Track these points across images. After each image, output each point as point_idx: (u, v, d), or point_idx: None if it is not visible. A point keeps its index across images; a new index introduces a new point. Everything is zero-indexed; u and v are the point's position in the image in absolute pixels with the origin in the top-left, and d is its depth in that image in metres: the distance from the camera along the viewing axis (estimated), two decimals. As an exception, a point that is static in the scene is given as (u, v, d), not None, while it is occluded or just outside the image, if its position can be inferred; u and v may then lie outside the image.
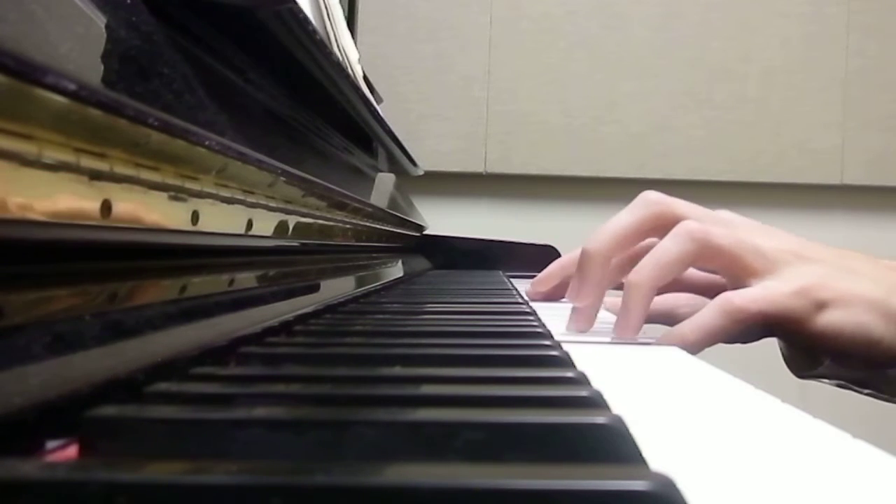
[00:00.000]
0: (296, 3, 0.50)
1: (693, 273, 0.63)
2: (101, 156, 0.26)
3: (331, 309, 0.50)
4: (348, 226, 0.72)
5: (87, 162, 0.25)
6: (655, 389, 0.34)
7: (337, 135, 0.86)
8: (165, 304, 0.33)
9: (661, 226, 0.53)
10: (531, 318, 0.50)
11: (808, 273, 0.51)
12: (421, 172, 1.39)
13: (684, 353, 0.45)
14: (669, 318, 0.60)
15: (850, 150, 1.78)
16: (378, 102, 1.16)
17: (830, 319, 0.50)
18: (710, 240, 0.51)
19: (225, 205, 0.38)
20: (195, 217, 0.34)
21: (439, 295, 0.74)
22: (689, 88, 1.78)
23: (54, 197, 0.23)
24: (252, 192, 0.42)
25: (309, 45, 0.58)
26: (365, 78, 1.11)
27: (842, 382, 0.64)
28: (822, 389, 0.69)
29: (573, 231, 1.24)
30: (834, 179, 1.78)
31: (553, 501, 0.14)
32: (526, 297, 0.73)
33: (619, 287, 0.56)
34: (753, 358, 0.79)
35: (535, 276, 0.82)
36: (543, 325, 0.46)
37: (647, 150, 1.77)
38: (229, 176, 0.38)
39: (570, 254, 0.76)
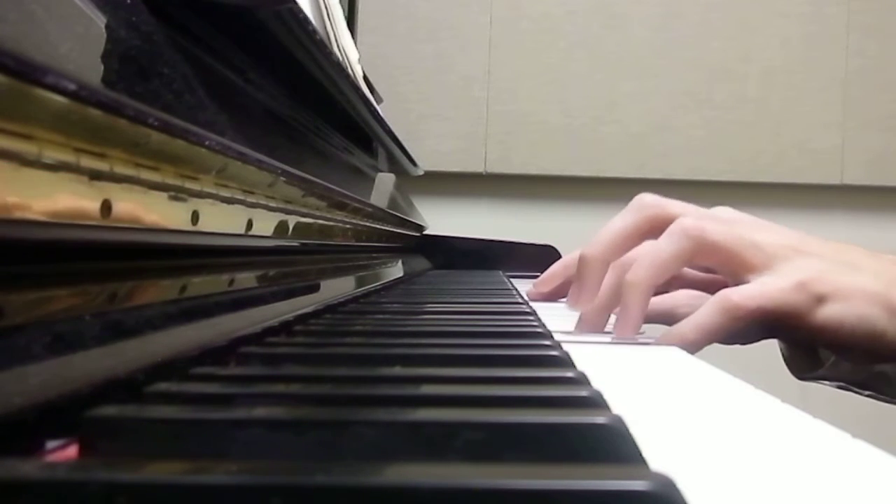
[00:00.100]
0: (296, 3, 0.50)
1: (692, 273, 0.63)
2: (101, 156, 0.26)
3: (331, 309, 0.50)
4: (348, 226, 0.72)
5: (87, 162, 0.25)
6: (655, 389, 0.34)
7: (337, 135, 0.86)
8: (165, 304, 0.33)
9: (658, 227, 0.53)
10: (531, 318, 0.50)
11: (807, 267, 0.51)
12: (421, 172, 1.39)
13: (684, 353, 0.45)
14: (669, 318, 0.60)
15: (850, 150, 1.78)
16: (378, 102, 1.16)
17: (830, 313, 0.49)
18: (706, 236, 0.51)
19: (225, 205, 0.38)
20: (195, 217, 0.34)
21: (439, 295, 0.74)
22: (689, 88, 1.78)
23: (54, 197, 0.23)
24: (252, 192, 0.42)
25: (309, 45, 0.58)
26: (365, 78, 1.11)
27: (842, 384, 0.64)
28: (822, 390, 0.69)
29: (573, 231, 1.24)
30: (834, 179, 1.78)
31: (553, 501, 0.14)
32: (526, 297, 0.73)
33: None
34: (753, 358, 0.79)
35: (535, 276, 0.82)
36: (543, 325, 0.46)
37: (647, 150, 1.77)
38: (229, 176, 0.38)
39: (572, 254, 0.76)
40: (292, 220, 0.51)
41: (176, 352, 0.28)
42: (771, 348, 0.67)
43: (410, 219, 1.13)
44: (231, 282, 0.43)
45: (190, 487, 0.15)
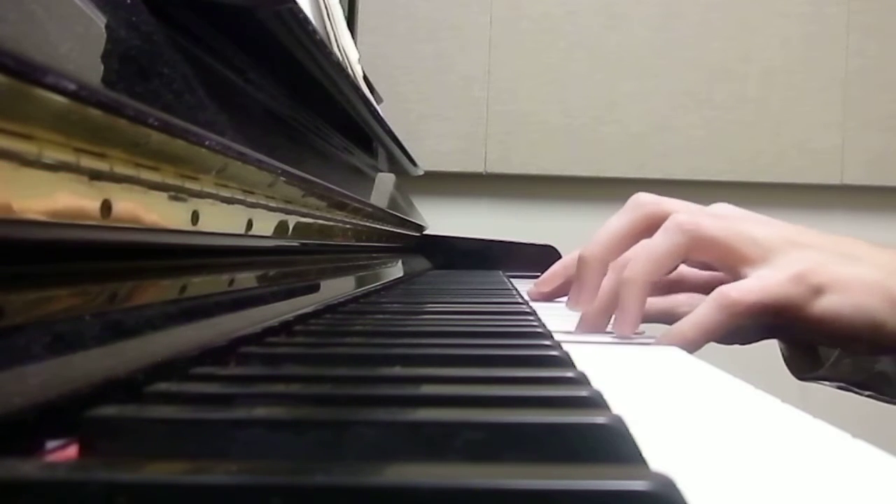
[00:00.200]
0: (296, 3, 0.50)
1: (693, 272, 0.63)
2: (101, 156, 0.26)
3: (331, 309, 0.50)
4: (348, 226, 0.72)
5: (87, 162, 0.25)
6: (655, 389, 0.34)
7: (337, 135, 0.86)
8: (165, 304, 0.33)
9: (654, 225, 0.53)
10: (531, 318, 0.50)
11: (804, 259, 0.50)
12: (421, 172, 1.39)
13: (684, 353, 0.45)
14: (670, 317, 0.60)
15: (850, 150, 1.78)
16: (378, 102, 1.16)
17: (829, 304, 0.49)
18: (701, 231, 0.51)
19: (225, 205, 0.38)
20: (195, 217, 0.34)
21: (439, 295, 0.74)
22: (689, 88, 1.78)
23: (54, 197, 0.23)
24: (252, 192, 0.42)
25: (309, 45, 0.58)
26: (365, 78, 1.11)
27: (842, 384, 0.64)
28: (822, 389, 0.69)
29: (573, 231, 1.24)
30: (834, 179, 1.78)
31: (553, 501, 0.14)
32: (526, 297, 0.73)
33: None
34: (753, 358, 0.79)
35: (535, 276, 0.82)
36: (543, 325, 0.46)
37: (647, 150, 1.77)
38: (229, 176, 0.38)
39: (572, 253, 0.76)
40: (292, 220, 0.51)
41: (176, 352, 0.28)
42: (771, 348, 0.67)
43: (410, 219, 1.13)
44: (231, 282, 0.43)
45: (190, 487, 0.15)
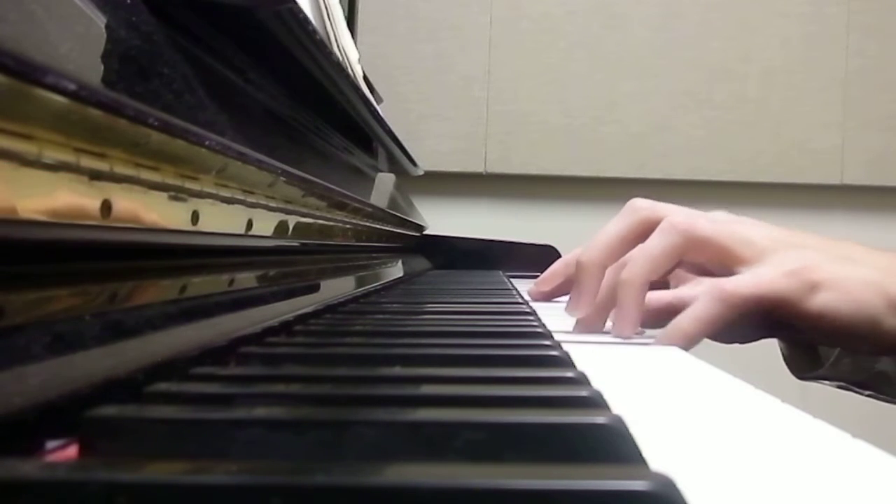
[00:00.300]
0: (296, 3, 0.50)
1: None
2: (101, 156, 0.26)
3: (331, 309, 0.50)
4: (348, 226, 0.72)
5: (87, 162, 0.25)
6: (655, 389, 0.34)
7: (337, 135, 0.86)
8: (165, 304, 0.33)
9: (650, 230, 0.53)
10: (531, 318, 0.50)
11: (800, 258, 0.51)
12: (421, 172, 1.39)
13: (684, 353, 0.45)
14: (674, 312, 0.60)
15: (850, 150, 1.78)
16: (378, 102, 1.16)
17: (826, 300, 0.49)
18: (696, 231, 0.51)
19: (225, 205, 0.38)
20: (195, 217, 0.34)
21: (439, 295, 0.74)
22: (689, 88, 1.78)
23: (54, 197, 0.23)
24: (252, 192, 0.42)
25: (309, 45, 0.58)
26: (365, 78, 1.11)
27: (842, 384, 0.64)
28: (822, 390, 0.69)
29: (573, 231, 1.24)
30: (834, 179, 1.78)
31: (553, 501, 0.14)
32: (526, 297, 0.73)
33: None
34: (753, 358, 0.79)
35: (535, 276, 0.82)
36: (543, 325, 0.46)
37: (647, 150, 1.77)
38: (229, 176, 0.38)
39: (572, 252, 0.76)
40: (292, 220, 0.51)
41: (176, 352, 0.28)
42: (771, 348, 0.67)
43: (410, 219, 1.13)
44: (231, 282, 0.43)
45: (190, 487, 0.15)
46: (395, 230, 0.99)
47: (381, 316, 0.52)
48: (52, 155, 0.23)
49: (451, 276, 1.08)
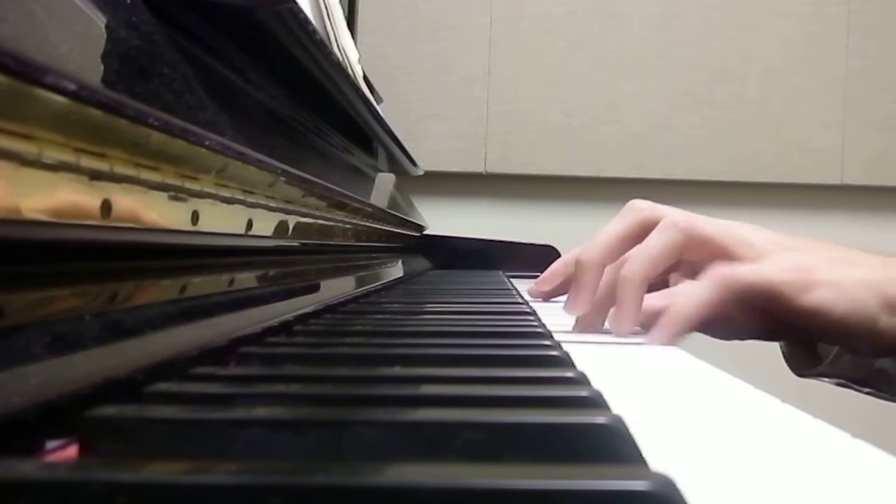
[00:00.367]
0: (296, 3, 0.50)
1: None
2: (101, 156, 0.26)
3: (331, 309, 0.50)
4: (348, 226, 0.72)
5: (87, 162, 0.25)
6: (655, 389, 0.34)
7: (337, 135, 0.86)
8: (165, 304, 0.33)
9: (649, 230, 0.53)
10: (531, 318, 0.50)
11: (798, 258, 0.51)
12: (421, 172, 1.39)
13: (684, 353, 0.45)
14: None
15: (850, 150, 1.78)
16: (378, 102, 1.16)
17: (822, 296, 0.50)
18: (696, 229, 0.52)
19: (225, 205, 0.38)
20: (195, 217, 0.34)
21: (439, 295, 0.74)
22: (689, 88, 1.78)
23: (54, 197, 0.23)
24: (252, 192, 0.42)
25: (309, 45, 0.58)
26: (365, 78, 1.11)
27: (842, 381, 0.64)
28: (822, 389, 0.69)
29: (573, 231, 1.24)
30: (834, 179, 1.78)
31: (553, 501, 0.14)
32: (526, 297, 0.73)
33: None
34: (753, 358, 0.79)
35: (535, 276, 0.82)
36: (543, 325, 0.46)
37: (647, 150, 1.77)
38: (229, 176, 0.38)
39: (572, 251, 0.76)
40: (292, 220, 0.51)
41: (176, 352, 0.28)
42: (771, 348, 0.67)
43: (410, 219, 1.13)
44: (231, 282, 0.43)
45: (190, 487, 0.15)
46: (395, 230, 0.99)
47: (381, 316, 0.52)
48: (52, 155, 0.23)
49: (451, 276, 1.08)
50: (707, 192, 1.76)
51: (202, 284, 0.39)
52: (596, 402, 0.23)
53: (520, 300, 0.66)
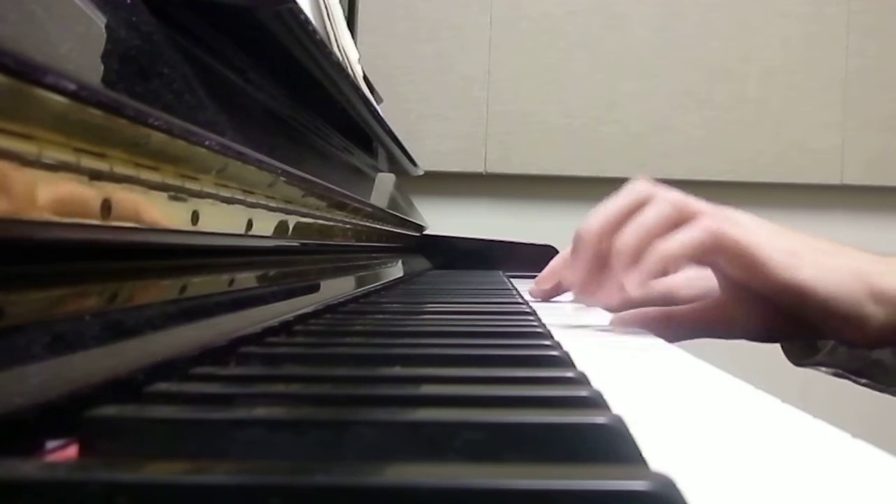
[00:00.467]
0: (296, 3, 0.50)
1: (686, 285, 0.64)
2: (101, 156, 0.26)
3: (331, 309, 0.50)
4: (348, 226, 0.72)
5: (87, 162, 0.25)
6: (655, 389, 0.34)
7: (337, 135, 0.86)
8: (165, 304, 0.33)
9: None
10: (531, 318, 0.50)
11: (790, 243, 0.53)
12: (421, 172, 1.39)
13: (684, 353, 0.45)
14: (670, 299, 0.62)
15: (850, 150, 1.78)
16: (378, 102, 1.16)
17: (806, 275, 0.52)
18: (689, 206, 0.54)
19: (225, 205, 0.38)
20: (195, 217, 0.34)
21: (439, 295, 0.74)
22: (689, 88, 1.78)
23: (54, 197, 0.23)
24: (252, 192, 0.42)
25: (309, 45, 0.58)
26: (365, 78, 1.11)
27: (839, 371, 0.65)
28: (822, 390, 0.69)
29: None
30: (834, 179, 1.78)
31: (553, 501, 0.14)
32: (526, 297, 0.73)
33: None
34: (753, 358, 0.79)
35: (535, 276, 0.82)
36: (543, 325, 0.46)
37: (647, 150, 1.77)
38: (229, 176, 0.38)
39: (568, 248, 0.77)
40: (292, 220, 0.51)
41: (176, 352, 0.28)
42: (771, 348, 0.67)
43: (410, 219, 1.13)
44: (231, 282, 0.43)
45: (190, 487, 0.15)
46: (394, 230, 0.99)
47: (381, 316, 0.52)
48: (52, 155, 0.23)
49: (451, 276, 1.08)
50: (707, 192, 1.74)
51: (202, 284, 0.39)
52: (596, 402, 0.23)
53: (520, 300, 0.66)
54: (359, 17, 1.72)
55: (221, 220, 0.38)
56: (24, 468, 0.15)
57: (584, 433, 0.19)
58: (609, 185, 0.60)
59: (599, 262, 0.55)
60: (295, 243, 0.55)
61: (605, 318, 0.62)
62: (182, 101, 0.36)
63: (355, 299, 0.60)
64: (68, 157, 0.24)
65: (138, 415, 0.20)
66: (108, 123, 0.25)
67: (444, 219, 1.58)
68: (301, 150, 0.67)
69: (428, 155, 1.62)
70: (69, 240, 0.26)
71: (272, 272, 0.51)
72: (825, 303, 0.52)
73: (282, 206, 0.48)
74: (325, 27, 0.88)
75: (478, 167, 1.78)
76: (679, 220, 0.53)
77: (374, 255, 0.94)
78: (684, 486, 0.15)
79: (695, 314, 0.58)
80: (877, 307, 0.52)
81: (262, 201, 0.44)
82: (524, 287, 0.83)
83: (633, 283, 0.52)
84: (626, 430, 0.19)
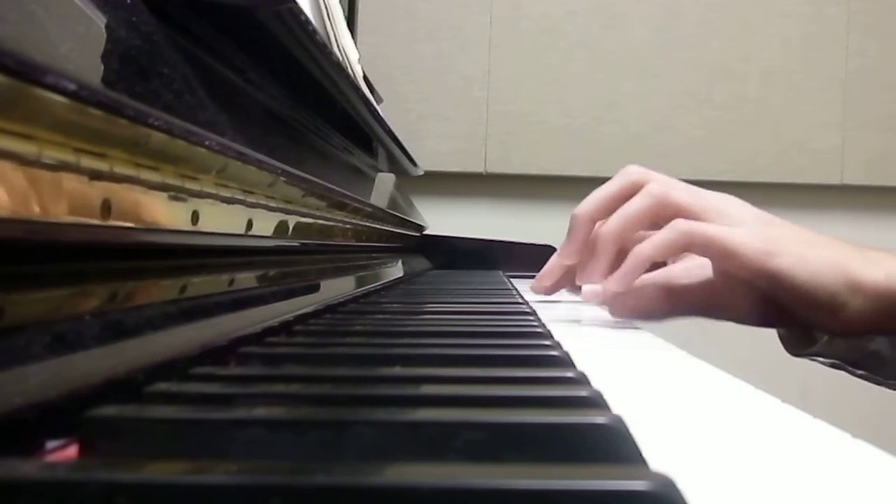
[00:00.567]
0: (296, 3, 0.50)
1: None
2: (101, 156, 0.26)
3: (331, 309, 0.50)
4: (348, 226, 0.72)
5: (87, 162, 0.25)
6: (655, 389, 0.34)
7: (337, 135, 0.86)
8: (165, 304, 0.33)
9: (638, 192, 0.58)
10: (531, 318, 0.50)
11: (769, 231, 0.55)
12: (421, 172, 1.39)
13: (684, 353, 0.45)
14: (668, 289, 0.63)
15: (850, 150, 1.78)
16: (378, 102, 1.16)
17: (783, 263, 0.53)
18: (670, 197, 0.57)
19: (225, 205, 0.38)
20: (195, 217, 0.34)
21: (439, 295, 0.74)
22: (689, 88, 1.78)
23: (54, 197, 0.23)
24: (252, 192, 0.42)
25: (309, 45, 0.58)
26: (365, 78, 1.11)
27: (836, 363, 0.65)
28: (822, 389, 0.69)
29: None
30: (834, 179, 1.78)
31: (553, 501, 0.14)
32: (526, 297, 0.73)
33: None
34: (753, 358, 0.79)
35: (535, 276, 0.82)
36: (543, 325, 0.46)
37: (647, 150, 1.77)
38: (229, 176, 0.38)
39: None
40: (292, 220, 0.51)
41: (176, 352, 0.28)
42: (771, 348, 0.67)
43: (410, 219, 1.13)
44: (231, 282, 0.43)
45: (190, 487, 0.15)
46: (394, 230, 0.99)
47: (381, 316, 0.52)
48: (52, 155, 0.23)
49: (451, 276, 1.08)
50: (707, 192, 1.75)
51: (202, 284, 0.39)
52: (596, 402, 0.23)
53: (520, 300, 0.66)
54: (359, 17, 1.72)
55: (221, 220, 0.38)
56: (24, 468, 0.15)
57: (584, 433, 0.19)
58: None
59: (590, 245, 0.59)
60: (295, 243, 0.55)
61: (605, 317, 0.62)
62: (182, 101, 0.36)
63: (355, 299, 0.60)
64: (68, 157, 0.24)
65: (138, 415, 0.20)
66: (108, 123, 0.25)
67: (444, 219, 1.59)
68: (301, 150, 0.67)
69: (428, 155, 1.62)
70: (69, 240, 0.26)
71: (272, 272, 0.51)
72: (802, 291, 0.53)
73: (282, 206, 0.48)
74: (325, 27, 0.88)
75: (478, 167, 1.78)
76: (661, 213, 0.57)
77: (374, 255, 0.94)
78: (684, 486, 0.15)
79: (691, 292, 0.60)
80: (854, 297, 0.53)
81: (262, 201, 0.44)
82: (524, 287, 0.83)
83: (614, 285, 0.56)
84: (626, 430, 0.19)
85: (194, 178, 0.34)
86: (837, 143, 1.78)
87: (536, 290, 0.79)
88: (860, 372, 0.66)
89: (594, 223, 0.60)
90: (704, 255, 0.55)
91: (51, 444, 0.19)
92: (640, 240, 0.57)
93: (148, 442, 0.19)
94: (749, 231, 0.54)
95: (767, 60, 1.78)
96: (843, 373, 0.66)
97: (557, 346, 0.35)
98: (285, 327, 0.40)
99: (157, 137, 0.29)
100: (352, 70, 0.93)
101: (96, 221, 0.26)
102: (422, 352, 0.33)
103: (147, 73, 0.33)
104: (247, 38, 0.54)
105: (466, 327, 0.45)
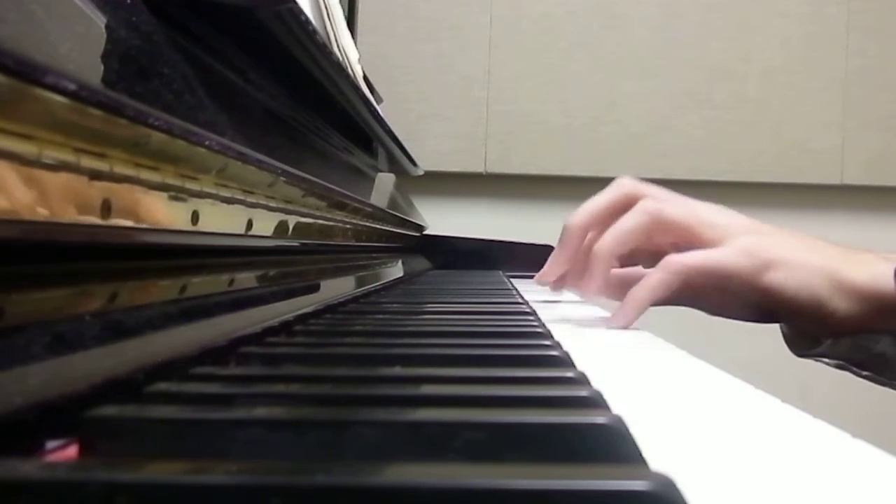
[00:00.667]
0: (296, 4, 0.50)
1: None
2: (101, 156, 0.26)
3: (331, 309, 0.50)
4: (348, 226, 0.72)
5: (87, 162, 0.25)
6: (655, 389, 0.34)
7: (337, 135, 0.86)
8: (165, 304, 0.33)
9: (631, 205, 0.60)
10: (531, 317, 0.50)
11: (757, 241, 0.57)
12: (421, 172, 1.39)
13: (684, 353, 0.45)
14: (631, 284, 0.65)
15: (850, 150, 1.78)
16: (378, 102, 1.16)
17: (774, 278, 0.55)
18: (663, 214, 0.58)
19: (225, 205, 0.38)
20: (195, 217, 0.34)
21: (439, 295, 0.74)
22: (689, 88, 1.78)
23: (54, 197, 0.23)
24: (252, 192, 0.42)
25: (309, 45, 0.58)
26: (365, 78, 1.11)
27: (841, 363, 0.65)
28: (822, 389, 0.69)
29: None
30: (834, 179, 1.78)
31: (553, 501, 0.14)
32: (526, 297, 0.73)
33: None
34: (753, 358, 0.79)
35: (534, 276, 0.82)
36: (543, 325, 0.46)
37: (647, 150, 1.77)
38: (229, 176, 0.38)
39: None
40: (292, 220, 0.51)
41: (176, 352, 0.28)
42: (771, 348, 0.67)
43: (410, 219, 1.13)
44: (231, 282, 0.43)
45: (190, 487, 0.15)
46: (394, 230, 0.99)
47: (381, 316, 0.52)
48: (52, 155, 0.23)
49: (451, 276, 1.08)
50: (707, 192, 1.74)
51: (202, 284, 0.39)
52: (596, 402, 0.23)
53: (520, 300, 0.66)
54: (359, 17, 1.72)
55: (221, 220, 0.38)
56: (24, 468, 0.15)
57: (584, 433, 0.19)
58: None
59: (581, 255, 0.61)
60: (295, 243, 0.55)
61: (605, 317, 0.62)
62: (182, 101, 0.36)
63: (355, 299, 0.60)
64: (68, 157, 0.24)
65: (138, 415, 0.20)
66: (108, 123, 0.25)
67: (444, 219, 1.58)
68: (301, 150, 0.67)
69: (428, 155, 1.62)
70: (69, 240, 0.26)
71: (272, 272, 0.51)
72: (794, 302, 0.55)
73: (282, 206, 0.48)
74: (325, 27, 0.88)
75: (478, 167, 1.78)
76: (654, 230, 0.59)
77: (374, 255, 0.94)
78: (684, 486, 0.15)
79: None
80: (842, 300, 0.55)
81: (262, 201, 0.44)
82: (524, 287, 0.83)
83: (621, 322, 0.57)
84: (626, 430, 0.19)
85: (194, 178, 0.34)
86: (837, 143, 1.78)
87: (542, 281, 0.80)
88: (865, 373, 0.66)
89: (586, 233, 0.61)
90: (702, 284, 0.57)
91: (51, 444, 0.19)
92: (633, 254, 0.60)
93: (148, 442, 0.19)
94: (739, 247, 0.56)
95: (767, 60, 1.78)
96: (843, 373, 0.66)
97: (557, 346, 0.35)
98: (285, 327, 0.40)
99: (157, 137, 0.29)
100: (352, 70, 0.93)
101: (96, 221, 0.26)
102: (422, 352, 0.33)
103: (147, 73, 0.33)
104: (247, 38, 0.54)
105: (466, 327, 0.45)
